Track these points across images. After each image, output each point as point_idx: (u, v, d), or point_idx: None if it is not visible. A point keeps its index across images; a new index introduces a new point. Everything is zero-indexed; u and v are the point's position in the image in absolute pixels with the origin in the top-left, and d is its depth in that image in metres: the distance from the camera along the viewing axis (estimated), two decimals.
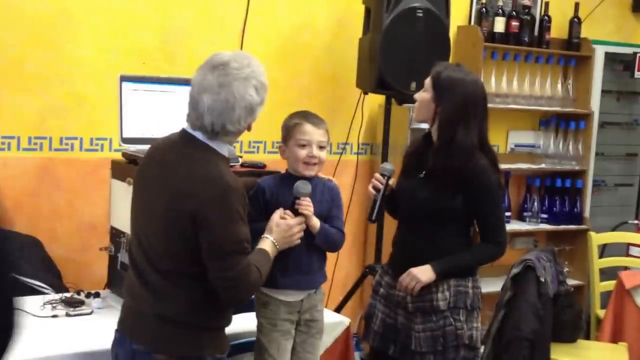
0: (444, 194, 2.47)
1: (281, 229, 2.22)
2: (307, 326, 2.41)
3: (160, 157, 2.07)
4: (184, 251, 1.96)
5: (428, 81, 2.53)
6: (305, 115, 2.39)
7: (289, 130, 2.37)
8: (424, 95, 2.53)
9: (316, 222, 2.33)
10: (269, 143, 3.66)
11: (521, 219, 4.51)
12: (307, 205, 2.28)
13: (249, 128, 2.08)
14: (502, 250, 2.58)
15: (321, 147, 2.36)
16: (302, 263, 2.35)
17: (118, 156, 2.79)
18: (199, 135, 2.02)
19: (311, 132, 2.34)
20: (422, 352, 2.50)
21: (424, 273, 2.46)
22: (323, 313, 2.48)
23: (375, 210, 2.57)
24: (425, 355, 2.49)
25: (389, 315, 2.59)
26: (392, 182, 2.62)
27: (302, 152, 2.34)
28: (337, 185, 2.52)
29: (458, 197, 2.47)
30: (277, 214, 2.25)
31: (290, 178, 2.37)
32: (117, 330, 2.10)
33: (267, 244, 2.17)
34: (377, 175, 2.60)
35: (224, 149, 2.04)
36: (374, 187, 2.58)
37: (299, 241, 2.27)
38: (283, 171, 2.47)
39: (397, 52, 3.55)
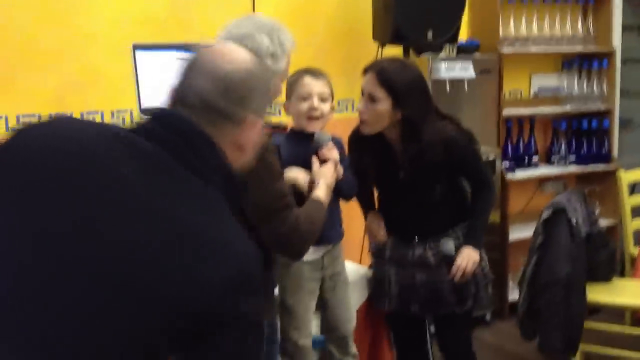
0: (434, 174, 2.44)
1: (329, 172, 2.15)
2: (332, 280, 2.40)
3: None
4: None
5: (379, 91, 2.34)
6: (305, 70, 2.33)
7: (291, 85, 2.29)
8: (380, 107, 2.35)
9: (340, 167, 2.27)
10: None
11: (549, 162, 4.40)
12: (332, 151, 2.21)
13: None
14: (494, 187, 2.64)
15: (323, 100, 2.27)
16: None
17: None
18: None
19: (310, 84, 2.26)
20: (460, 299, 2.50)
21: (473, 254, 2.49)
22: (344, 264, 2.46)
23: None
24: (464, 302, 2.50)
25: (404, 276, 2.54)
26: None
27: (304, 106, 2.25)
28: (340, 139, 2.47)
29: (445, 168, 2.45)
30: (316, 163, 2.18)
31: (300, 134, 2.29)
32: None
33: (322, 190, 2.09)
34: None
35: None
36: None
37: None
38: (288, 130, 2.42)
39: (412, 1, 3.43)
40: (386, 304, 2.60)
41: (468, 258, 2.46)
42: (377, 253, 2.63)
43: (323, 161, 2.19)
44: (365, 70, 2.40)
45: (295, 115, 2.28)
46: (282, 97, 2.27)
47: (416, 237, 2.53)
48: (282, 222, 1.87)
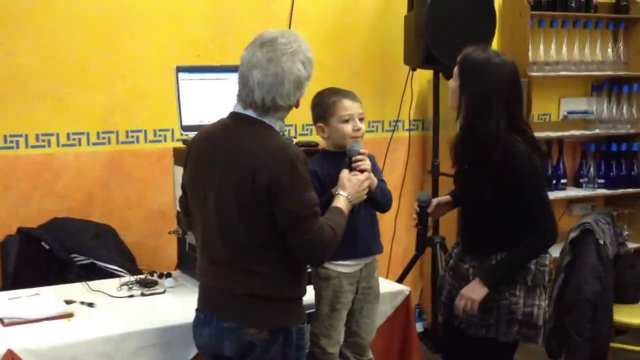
0: (484, 183, 2.35)
1: (353, 184, 2.22)
2: (363, 294, 2.44)
3: (215, 141, 2.07)
4: (263, 226, 1.98)
5: (456, 69, 2.40)
6: (339, 91, 2.39)
7: (328, 108, 2.35)
8: (452, 83, 2.42)
9: (374, 177, 2.34)
10: None
11: (578, 185, 4.42)
12: (364, 162, 2.28)
13: (297, 104, 2.08)
14: (548, 239, 2.38)
15: (361, 120, 2.37)
16: (360, 230, 2.36)
17: (180, 145, 2.85)
18: (250, 113, 2.04)
19: (351, 107, 2.34)
20: (476, 324, 2.42)
21: (474, 291, 2.36)
22: (378, 280, 2.50)
23: (419, 244, 2.56)
24: (479, 328, 2.42)
25: (454, 287, 2.54)
26: (430, 209, 2.55)
27: (348, 128, 2.33)
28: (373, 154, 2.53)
29: (498, 186, 2.34)
30: (346, 172, 2.25)
31: (334, 155, 2.37)
32: (199, 311, 2.12)
33: (341, 200, 2.17)
34: (416, 207, 2.54)
35: (276, 125, 2.06)
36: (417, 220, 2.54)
37: (365, 196, 2.27)
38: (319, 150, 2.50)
39: (443, 26, 3.50)
40: (441, 311, 2.61)
41: (467, 298, 2.37)
42: (447, 259, 2.64)
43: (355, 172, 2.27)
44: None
45: (337, 136, 2.36)
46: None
47: (467, 249, 2.51)
48: (308, 229, 1.97)
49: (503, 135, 2.32)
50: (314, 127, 3.58)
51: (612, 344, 3.21)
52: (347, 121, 2.34)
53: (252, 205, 1.97)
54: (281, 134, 2.09)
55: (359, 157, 2.27)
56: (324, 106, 2.36)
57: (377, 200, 2.38)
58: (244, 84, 2.03)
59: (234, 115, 2.08)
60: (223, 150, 2.03)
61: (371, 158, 2.45)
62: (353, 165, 2.27)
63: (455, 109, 2.43)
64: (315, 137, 3.43)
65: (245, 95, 2.03)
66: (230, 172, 2.00)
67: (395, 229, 3.97)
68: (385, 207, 2.45)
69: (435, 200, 2.60)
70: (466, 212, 2.56)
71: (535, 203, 2.36)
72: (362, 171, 2.26)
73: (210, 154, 2.07)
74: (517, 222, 2.39)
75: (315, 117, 2.40)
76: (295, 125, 3.72)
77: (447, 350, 2.74)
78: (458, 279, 2.52)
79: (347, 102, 2.34)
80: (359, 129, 2.35)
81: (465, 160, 2.43)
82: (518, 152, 2.32)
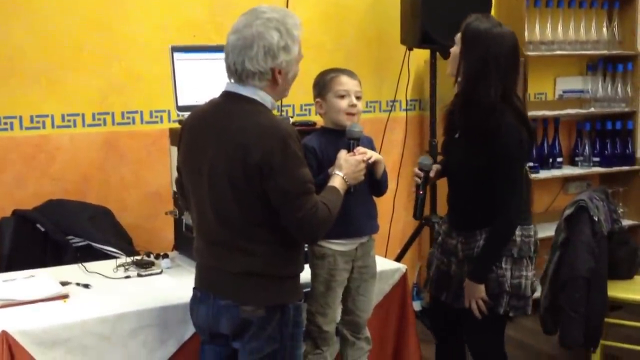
0: (472, 152, 2.35)
1: (350, 164, 2.18)
2: (360, 272, 2.41)
3: (207, 120, 2.02)
4: (257, 204, 1.93)
5: (458, 35, 2.39)
6: (339, 69, 2.37)
7: (326, 83, 2.33)
8: (454, 49, 2.41)
9: (382, 161, 2.32)
10: None
11: (573, 163, 4.35)
12: (364, 152, 2.25)
13: (274, 78, 1.96)
14: (509, 226, 2.34)
15: (358, 98, 2.33)
16: (356, 211, 2.31)
17: (176, 126, 2.78)
18: (235, 87, 1.98)
19: (348, 83, 2.32)
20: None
21: (474, 291, 2.36)
22: (375, 258, 2.46)
23: (418, 209, 2.52)
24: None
25: (443, 263, 2.53)
26: (432, 173, 2.53)
27: (343, 103, 2.30)
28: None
29: (484, 155, 2.32)
30: (344, 152, 2.22)
31: (332, 132, 2.34)
32: (196, 289, 2.08)
33: (337, 180, 2.13)
34: (417, 171, 2.52)
35: (267, 101, 1.99)
36: (417, 183, 2.53)
37: (363, 177, 2.23)
38: (318, 127, 2.45)
39: (440, 5, 3.44)
40: (428, 286, 2.60)
41: (474, 299, 2.38)
42: (435, 236, 2.63)
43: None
44: None
45: (333, 111, 2.33)
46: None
47: (454, 224, 2.49)
48: (301, 206, 1.91)
49: (498, 104, 2.31)
50: (312, 107, 3.53)
51: (607, 319, 3.18)
52: (342, 97, 2.31)
53: (244, 184, 1.91)
54: (280, 113, 2.02)
55: (363, 149, 2.25)
56: (322, 82, 2.34)
57: (379, 184, 2.36)
58: (225, 49, 1.99)
59: (225, 94, 2.02)
60: (215, 129, 1.97)
61: (369, 141, 2.42)
62: (354, 150, 2.23)
63: (454, 75, 2.42)
64: (314, 117, 3.38)
65: (225, 60, 1.99)
66: (222, 151, 1.93)
67: (394, 208, 3.91)
68: (383, 191, 2.43)
69: (434, 166, 2.58)
70: (453, 188, 2.53)
71: (509, 178, 2.33)
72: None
73: (202, 134, 2.01)
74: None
75: (314, 93, 2.37)
76: (293, 106, 3.65)
77: (435, 325, 2.73)
78: (446, 255, 2.51)
79: (343, 78, 2.32)
80: (354, 105, 2.31)
81: (460, 127, 2.39)
82: (507, 125, 2.31)
